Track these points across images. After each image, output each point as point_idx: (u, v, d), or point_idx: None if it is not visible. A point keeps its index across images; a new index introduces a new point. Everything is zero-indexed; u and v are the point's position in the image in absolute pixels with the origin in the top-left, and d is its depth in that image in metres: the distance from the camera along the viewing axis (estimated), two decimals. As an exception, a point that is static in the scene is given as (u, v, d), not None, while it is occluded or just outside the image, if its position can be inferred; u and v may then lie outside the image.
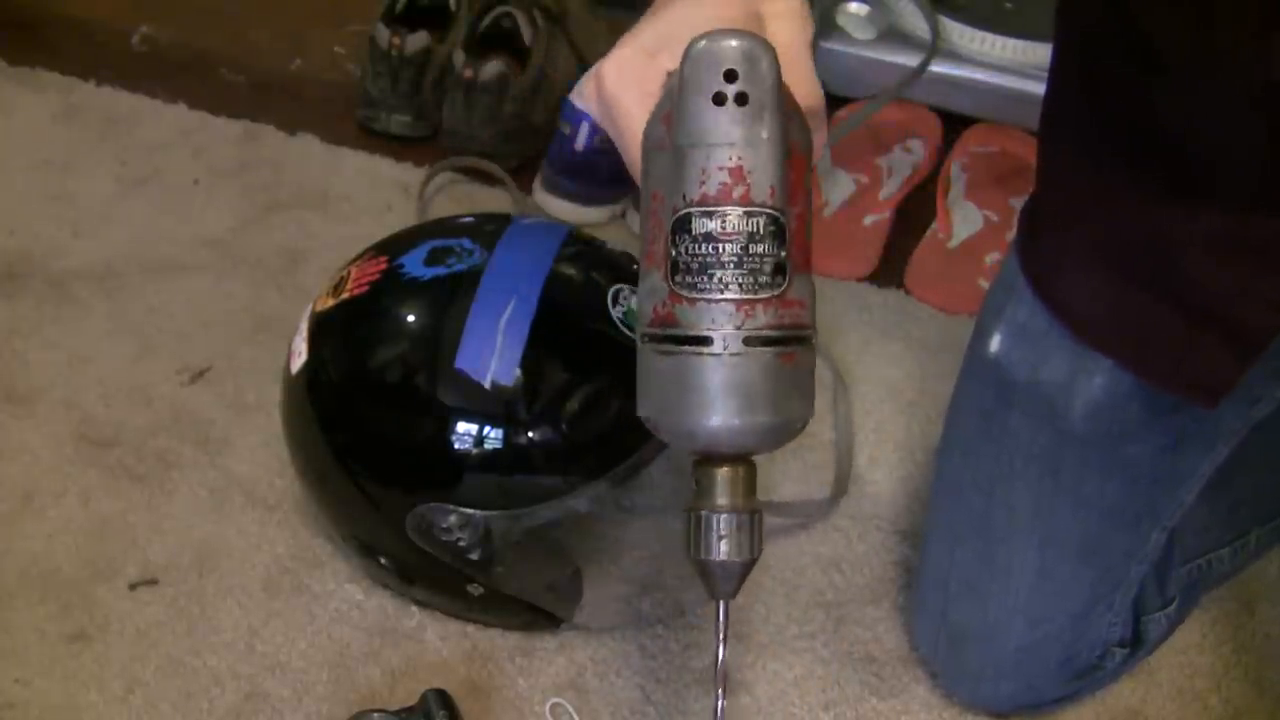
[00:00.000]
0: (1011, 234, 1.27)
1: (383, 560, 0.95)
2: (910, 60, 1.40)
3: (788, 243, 0.55)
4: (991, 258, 1.27)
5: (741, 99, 0.54)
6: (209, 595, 1.00)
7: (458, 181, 1.38)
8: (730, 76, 0.54)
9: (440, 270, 0.89)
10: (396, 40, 1.38)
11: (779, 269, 0.54)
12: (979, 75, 1.41)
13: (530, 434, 0.87)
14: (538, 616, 0.98)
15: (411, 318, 0.90)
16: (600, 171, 1.33)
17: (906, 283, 1.29)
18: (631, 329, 0.89)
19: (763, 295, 0.54)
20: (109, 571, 1.01)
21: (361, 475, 0.91)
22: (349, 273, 0.93)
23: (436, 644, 0.98)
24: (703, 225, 0.54)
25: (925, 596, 0.96)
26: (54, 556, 1.02)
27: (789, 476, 1.11)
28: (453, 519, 0.88)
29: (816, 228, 0.64)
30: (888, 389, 1.19)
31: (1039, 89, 1.38)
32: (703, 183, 0.54)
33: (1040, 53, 1.40)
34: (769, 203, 0.54)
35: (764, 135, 0.54)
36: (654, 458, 0.90)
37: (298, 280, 1.25)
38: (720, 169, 0.54)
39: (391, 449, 0.90)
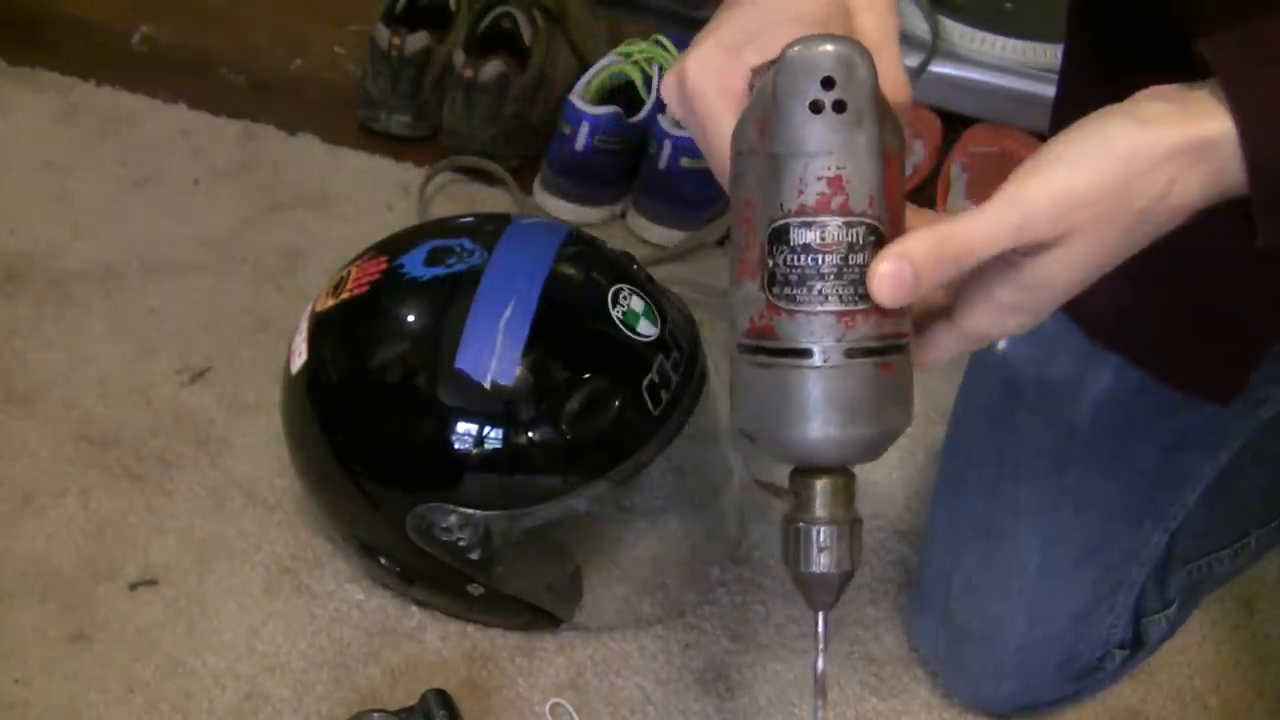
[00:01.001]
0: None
1: (383, 560, 0.95)
2: (910, 60, 1.40)
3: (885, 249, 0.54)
4: (991, 258, 1.27)
5: (839, 106, 0.53)
6: (209, 595, 1.00)
7: (458, 181, 1.38)
8: (828, 84, 0.53)
9: (440, 270, 0.89)
10: (396, 40, 1.38)
11: None
12: (979, 75, 1.41)
13: (530, 434, 0.87)
14: (538, 616, 0.98)
15: (411, 318, 0.90)
16: (600, 171, 1.33)
17: (906, 283, 1.29)
18: (631, 329, 0.89)
19: (862, 306, 0.53)
20: (109, 571, 1.01)
21: (361, 475, 0.91)
22: (349, 273, 0.93)
23: (436, 644, 0.98)
24: (801, 236, 0.53)
25: (926, 595, 0.96)
26: (54, 556, 1.02)
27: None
28: (453, 519, 0.88)
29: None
30: (888, 389, 1.19)
31: (1039, 89, 1.39)
32: (800, 192, 0.53)
33: (1040, 53, 1.40)
34: (868, 212, 0.53)
35: (862, 143, 0.53)
36: (654, 458, 0.90)
37: (298, 280, 1.25)
38: (818, 179, 0.53)
39: (391, 449, 0.90)
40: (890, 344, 0.55)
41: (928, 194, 1.34)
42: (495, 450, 0.87)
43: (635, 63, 1.36)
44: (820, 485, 0.57)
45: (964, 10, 1.43)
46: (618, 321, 0.89)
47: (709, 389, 0.95)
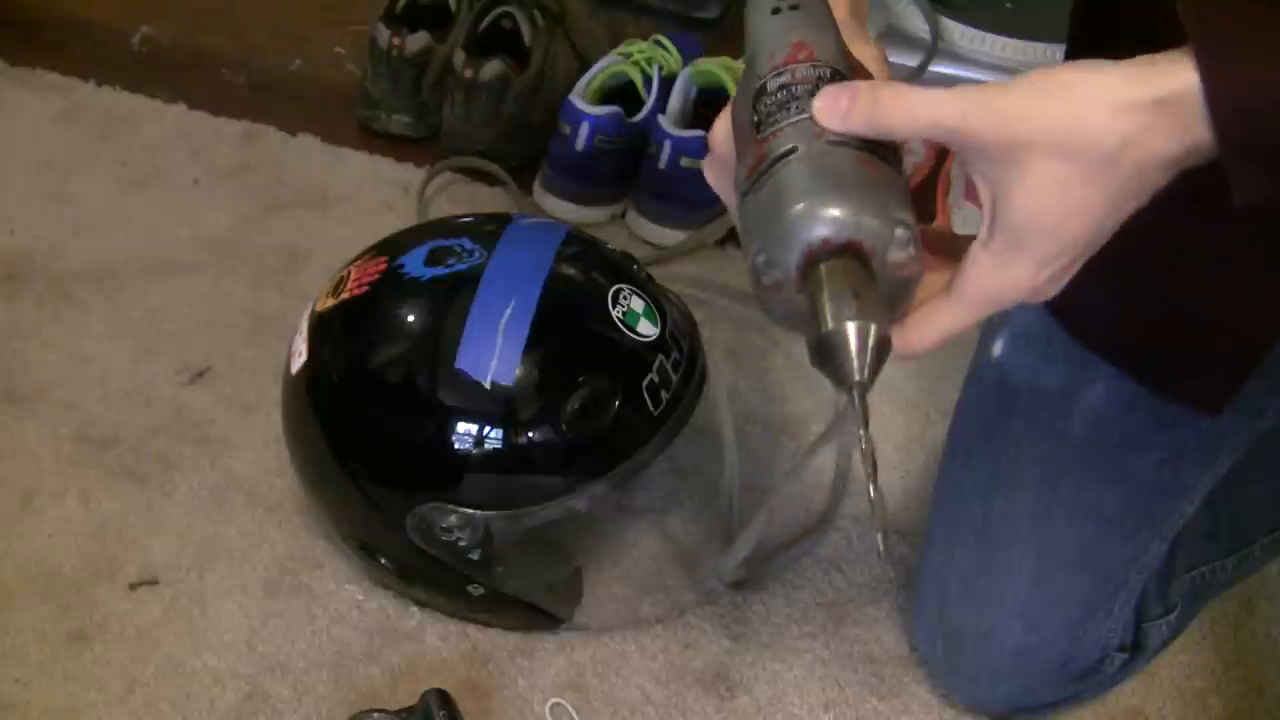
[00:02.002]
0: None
1: (383, 560, 0.95)
2: (910, 60, 1.40)
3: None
4: (991, 258, 1.27)
5: (794, 7, 0.61)
6: (209, 595, 1.00)
7: (458, 181, 1.38)
8: None
9: (440, 270, 0.89)
10: (396, 40, 1.38)
11: None
12: (979, 75, 1.41)
13: (530, 434, 0.87)
14: (538, 616, 0.98)
15: (411, 318, 0.90)
16: (600, 171, 1.33)
17: (906, 283, 1.29)
18: (631, 329, 0.89)
19: None
20: (109, 571, 1.01)
21: (361, 475, 0.91)
22: (349, 273, 0.93)
23: (436, 644, 0.98)
24: (777, 81, 0.59)
25: (924, 597, 0.97)
26: (54, 556, 1.02)
27: (789, 477, 1.11)
28: (453, 519, 0.88)
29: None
30: (887, 389, 1.19)
31: (1039, 89, 1.39)
32: (771, 58, 0.60)
33: (1040, 53, 1.40)
34: (832, 62, 0.59)
35: (820, 23, 0.61)
36: (654, 458, 0.90)
37: (298, 280, 1.25)
38: (785, 45, 0.60)
39: (391, 449, 0.90)
40: (872, 147, 0.57)
41: (928, 194, 1.34)
42: (495, 450, 0.87)
43: (635, 63, 1.36)
44: (833, 263, 0.56)
45: (964, 10, 1.43)
46: (618, 321, 0.89)
47: (709, 389, 0.95)
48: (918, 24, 1.42)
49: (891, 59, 1.39)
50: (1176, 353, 0.81)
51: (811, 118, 0.57)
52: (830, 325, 0.55)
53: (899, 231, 0.56)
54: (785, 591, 1.03)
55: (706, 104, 1.35)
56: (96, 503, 1.06)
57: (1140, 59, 0.54)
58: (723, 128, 0.64)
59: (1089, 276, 0.79)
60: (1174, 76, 0.53)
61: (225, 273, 1.26)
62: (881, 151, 0.58)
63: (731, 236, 1.33)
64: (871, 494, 0.59)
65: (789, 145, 0.57)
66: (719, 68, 1.33)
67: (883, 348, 0.55)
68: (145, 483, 1.07)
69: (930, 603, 0.95)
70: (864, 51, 0.63)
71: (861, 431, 0.57)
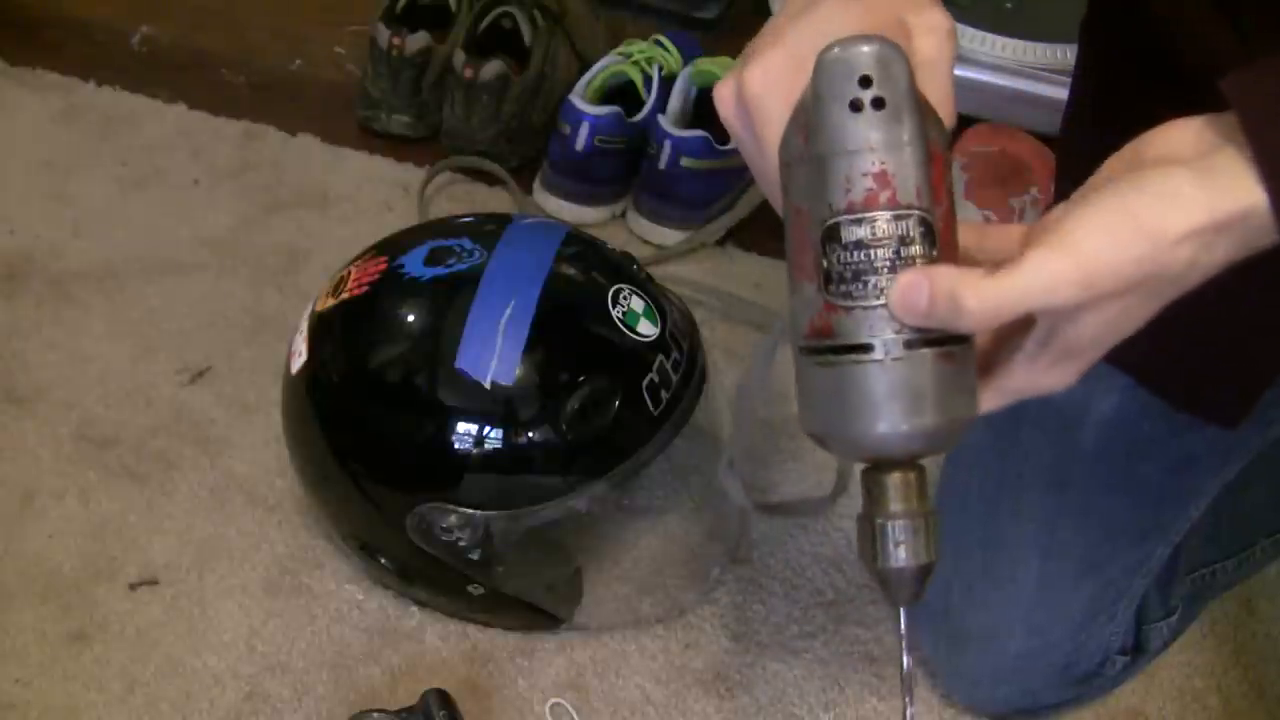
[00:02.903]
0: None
1: (383, 560, 0.95)
2: (910, 60, 1.40)
3: (937, 243, 0.54)
4: (991, 258, 1.27)
5: (878, 103, 0.53)
6: (209, 595, 1.00)
7: (458, 181, 1.38)
8: (865, 82, 0.54)
9: (440, 270, 0.89)
10: (396, 40, 1.38)
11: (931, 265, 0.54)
12: (979, 75, 1.40)
13: (530, 434, 0.87)
14: (538, 616, 0.98)
15: (411, 318, 0.90)
16: (600, 171, 1.33)
17: (906, 283, 1.29)
18: (631, 329, 0.89)
19: None
20: (109, 571, 1.01)
21: (361, 475, 0.91)
22: (349, 273, 0.93)
23: (436, 644, 0.98)
24: (852, 233, 0.54)
25: (927, 599, 0.96)
26: (54, 556, 1.02)
27: (788, 477, 1.11)
28: (453, 519, 0.88)
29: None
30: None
31: (1039, 89, 1.39)
32: (848, 190, 0.54)
33: (1040, 52, 1.40)
34: (915, 204, 0.54)
35: (904, 138, 0.54)
36: (654, 458, 0.90)
37: (298, 280, 1.25)
38: (864, 175, 0.54)
39: (391, 449, 0.90)
40: (949, 334, 0.55)
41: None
42: (495, 450, 0.87)
43: (635, 63, 1.36)
44: (892, 480, 0.57)
45: (964, 10, 1.43)
46: (618, 321, 0.89)
47: (709, 389, 0.95)
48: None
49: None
50: (1193, 367, 0.80)
51: (888, 308, 0.54)
52: (884, 564, 0.58)
53: (965, 427, 0.57)
54: (785, 591, 1.03)
55: (706, 104, 1.34)
56: (96, 503, 1.06)
57: (1197, 165, 0.53)
58: (772, 110, 0.59)
59: None
60: (1239, 194, 0.52)
61: (225, 273, 1.26)
62: (958, 334, 0.56)
63: (731, 236, 1.33)
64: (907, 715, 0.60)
65: (864, 340, 0.54)
66: (719, 68, 1.33)
67: (929, 573, 0.58)
68: (145, 483, 1.07)
69: (933, 603, 0.95)
70: (932, 19, 0.59)
71: (905, 656, 0.60)
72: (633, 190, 1.35)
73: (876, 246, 0.53)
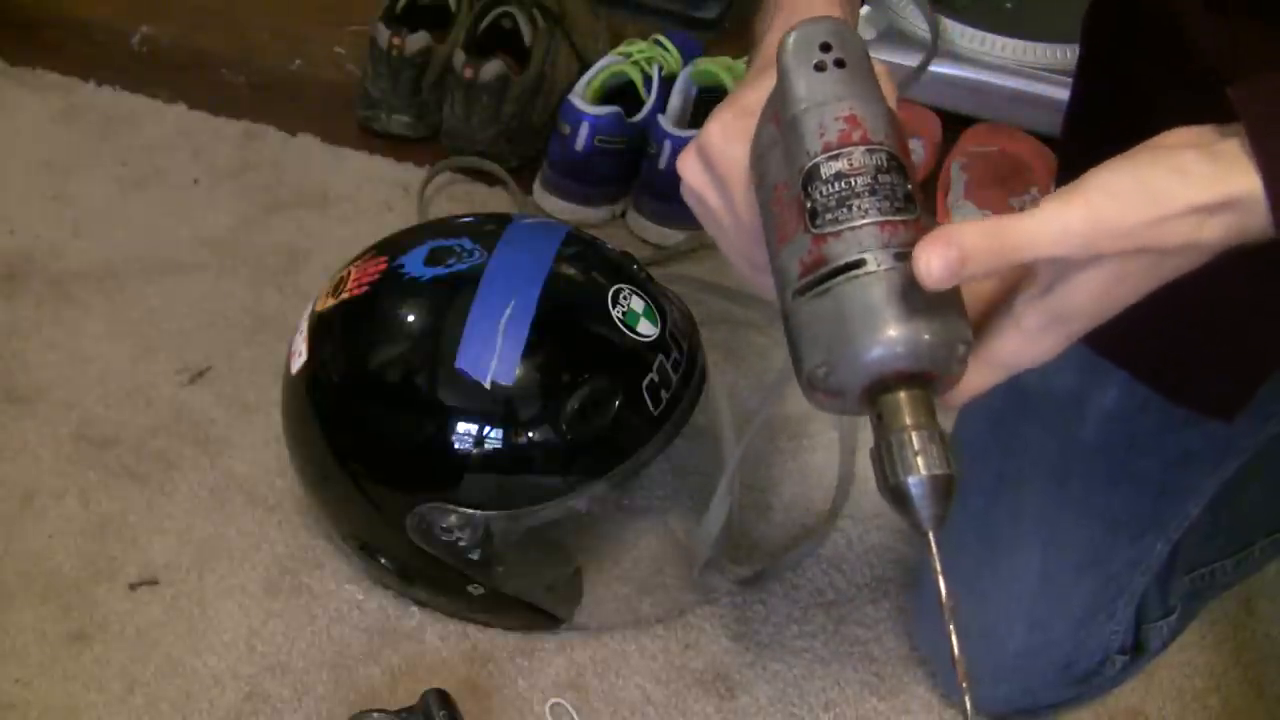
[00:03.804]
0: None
1: (383, 560, 0.95)
2: (910, 60, 1.40)
3: (909, 178, 0.58)
4: (991, 258, 1.27)
5: (840, 64, 0.59)
6: (209, 595, 1.00)
7: (458, 181, 1.38)
8: (825, 48, 0.59)
9: (440, 270, 0.89)
10: (396, 40, 1.38)
11: (909, 198, 0.57)
12: (979, 75, 1.41)
13: (530, 434, 0.87)
14: (538, 616, 0.98)
15: (411, 318, 0.90)
16: (600, 171, 1.33)
17: (907, 283, 1.29)
18: (631, 329, 0.89)
19: (900, 218, 0.56)
20: (109, 571, 1.01)
21: (361, 475, 0.91)
22: (349, 273, 0.93)
23: (436, 644, 0.98)
24: (831, 168, 0.57)
25: (926, 597, 0.96)
26: (54, 556, 1.02)
27: (789, 476, 1.11)
28: (453, 519, 0.88)
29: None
30: (888, 389, 1.19)
31: (1038, 89, 1.39)
32: (822, 134, 0.58)
33: (1040, 52, 1.40)
34: (885, 142, 0.58)
35: (866, 91, 0.59)
36: (654, 458, 0.90)
37: (298, 280, 1.25)
38: (836, 119, 0.58)
39: (391, 449, 0.90)
40: None
41: (927, 194, 1.34)
42: (495, 450, 0.87)
43: (635, 63, 1.36)
44: (902, 397, 0.57)
45: (964, 10, 1.43)
46: (618, 321, 0.89)
47: (709, 389, 0.95)
48: (918, 24, 1.42)
49: (891, 59, 1.40)
50: (1189, 361, 0.81)
51: (876, 224, 0.56)
52: (904, 477, 0.57)
53: (962, 349, 0.58)
54: (785, 591, 1.03)
55: (706, 104, 1.35)
56: (96, 503, 1.06)
57: (1206, 149, 0.56)
58: (737, 156, 0.62)
59: None
60: (1239, 179, 0.55)
61: (225, 273, 1.26)
62: None
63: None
64: (955, 651, 0.59)
65: (855, 256, 0.56)
66: (719, 68, 1.33)
67: (950, 488, 0.57)
68: (145, 483, 1.07)
69: (932, 602, 0.95)
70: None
71: (940, 580, 0.58)
72: (633, 190, 1.35)
73: (855, 175, 0.57)
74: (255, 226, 1.32)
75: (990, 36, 1.40)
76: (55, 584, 1.00)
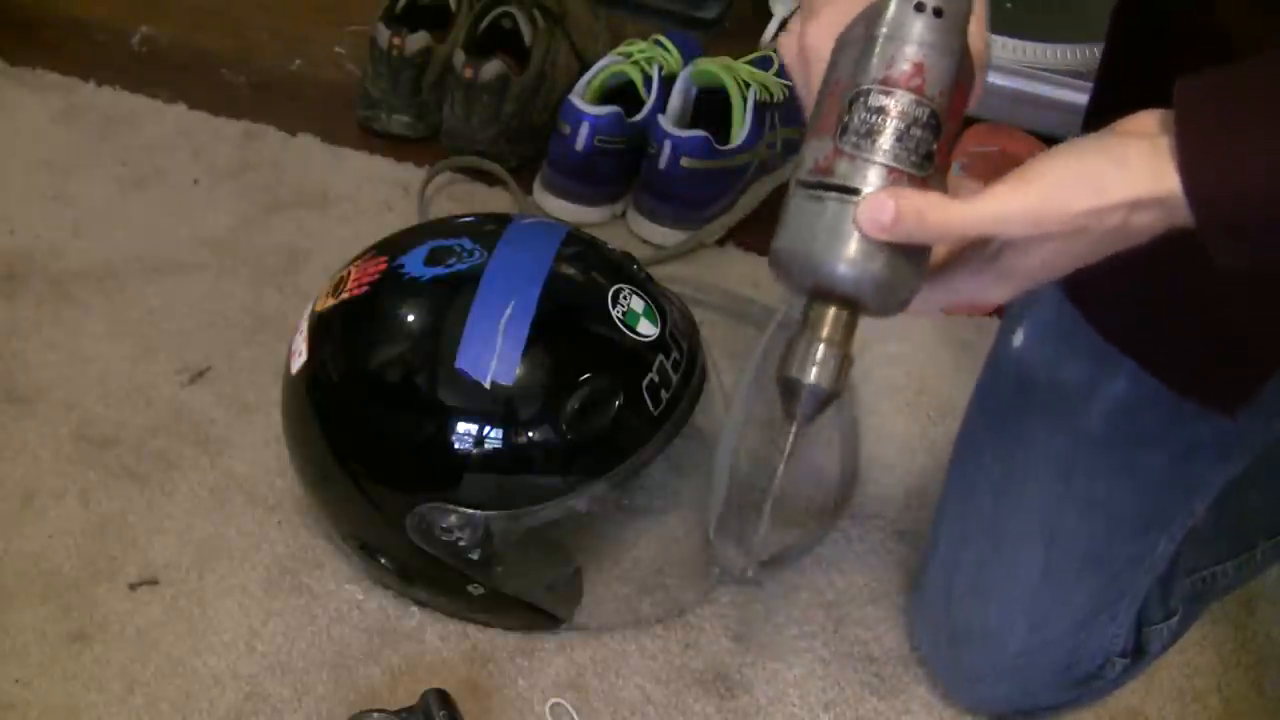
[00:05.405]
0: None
1: (383, 560, 0.95)
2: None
3: (939, 142, 0.62)
4: (991, 258, 1.27)
5: (938, 13, 0.62)
6: (209, 595, 1.00)
7: (458, 181, 1.38)
8: None
9: (440, 270, 0.89)
10: (396, 40, 1.38)
11: (929, 157, 0.62)
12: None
13: (530, 434, 0.87)
14: (538, 616, 0.98)
15: (411, 318, 0.90)
16: (600, 171, 1.33)
17: (906, 283, 1.29)
18: (631, 329, 0.89)
19: (910, 172, 0.61)
20: (109, 571, 1.01)
21: (361, 475, 0.91)
22: (349, 273, 0.93)
23: (436, 644, 0.98)
24: (878, 100, 0.61)
25: (928, 595, 0.96)
26: (54, 556, 1.02)
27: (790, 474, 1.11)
28: (453, 519, 0.88)
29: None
30: (888, 389, 1.19)
31: (1038, 89, 1.39)
32: (888, 66, 0.62)
33: (1040, 52, 1.40)
34: (936, 101, 0.62)
35: (947, 46, 0.62)
36: (654, 458, 0.90)
37: (298, 280, 1.25)
38: (906, 60, 0.61)
39: (391, 449, 0.90)
40: None
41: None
42: (495, 450, 0.87)
43: (635, 63, 1.36)
44: (831, 312, 0.64)
45: (964, 10, 1.43)
46: (618, 321, 0.89)
47: (709, 389, 0.95)
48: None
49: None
50: (1196, 351, 0.81)
51: (886, 168, 0.61)
52: (798, 375, 0.64)
53: (904, 295, 0.64)
54: (785, 591, 1.03)
55: (706, 104, 1.35)
56: (96, 503, 1.06)
57: (1152, 141, 0.60)
58: (823, 43, 0.66)
59: (1113, 267, 0.80)
60: (1168, 179, 0.59)
61: (225, 273, 1.26)
62: None
63: (731, 236, 1.33)
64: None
65: (854, 184, 0.61)
66: (719, 68, 1.33)
67: (829, 403, 0.65)
68: (145, 483, 1.07)
69: (935, 599, 0.95)
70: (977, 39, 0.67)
71: (780, 467, 0.70)
72: (633, 190, 1.35)
73: (893, 117, 0.61)
74: (255, 226, 1.32)
75: (990, 36, 1.40)
76: (55, 584, 1.00)
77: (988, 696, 0.95)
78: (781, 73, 1.38)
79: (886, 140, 0.61)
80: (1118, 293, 0.81)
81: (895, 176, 0.61)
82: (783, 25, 1.58)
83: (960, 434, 0.96)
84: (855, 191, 0.61)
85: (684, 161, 1.28)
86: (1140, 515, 0.88)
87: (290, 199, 1.35)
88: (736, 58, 1.36)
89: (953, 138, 0.63)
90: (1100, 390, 0.85)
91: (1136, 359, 0.82)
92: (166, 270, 1.26)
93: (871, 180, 0.61)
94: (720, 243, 1.32)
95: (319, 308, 0.93)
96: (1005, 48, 1.40)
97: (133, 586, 1.00)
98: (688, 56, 1.37)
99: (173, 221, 1.32)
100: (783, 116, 1.36)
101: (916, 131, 0.61)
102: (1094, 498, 0.87)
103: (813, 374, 0.64)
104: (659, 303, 0.93)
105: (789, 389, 0.65)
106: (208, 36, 1.56)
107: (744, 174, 1.34)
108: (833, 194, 0.62)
